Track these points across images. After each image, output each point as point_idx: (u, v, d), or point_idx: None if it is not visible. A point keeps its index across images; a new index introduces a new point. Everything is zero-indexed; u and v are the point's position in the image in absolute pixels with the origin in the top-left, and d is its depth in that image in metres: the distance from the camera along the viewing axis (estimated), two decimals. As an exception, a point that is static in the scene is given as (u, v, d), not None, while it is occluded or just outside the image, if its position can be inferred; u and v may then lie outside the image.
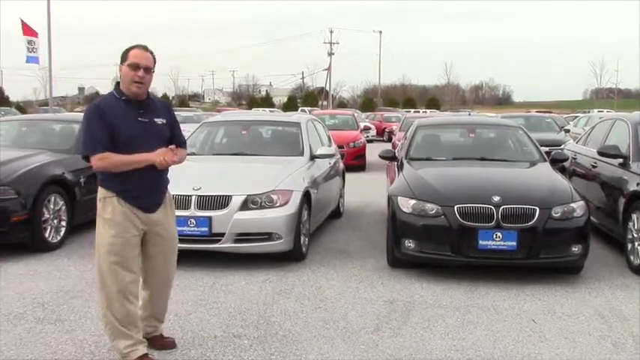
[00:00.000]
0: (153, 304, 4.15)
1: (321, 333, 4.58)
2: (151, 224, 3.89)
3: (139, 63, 3.72)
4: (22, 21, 22.15)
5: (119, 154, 3.69)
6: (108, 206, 3.78)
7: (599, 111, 40.40)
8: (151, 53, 3.82)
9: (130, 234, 3.79)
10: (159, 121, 3.88)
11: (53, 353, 4.16)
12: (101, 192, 3.82)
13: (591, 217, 6.27)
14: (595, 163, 8.02)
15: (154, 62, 3.83)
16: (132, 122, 3.75)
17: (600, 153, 7.72)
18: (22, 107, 54.25)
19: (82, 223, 7.81)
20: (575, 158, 8.95)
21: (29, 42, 22.02)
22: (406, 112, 41.57)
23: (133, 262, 3.85)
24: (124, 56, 3.75)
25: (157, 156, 3.72)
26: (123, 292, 3.81)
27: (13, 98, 67.43)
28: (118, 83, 3.83)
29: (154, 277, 4.07)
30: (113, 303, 3.82)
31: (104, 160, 3.69)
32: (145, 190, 3.81)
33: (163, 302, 4.22)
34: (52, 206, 7.06)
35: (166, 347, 4.21)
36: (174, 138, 4.00)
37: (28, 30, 22.15)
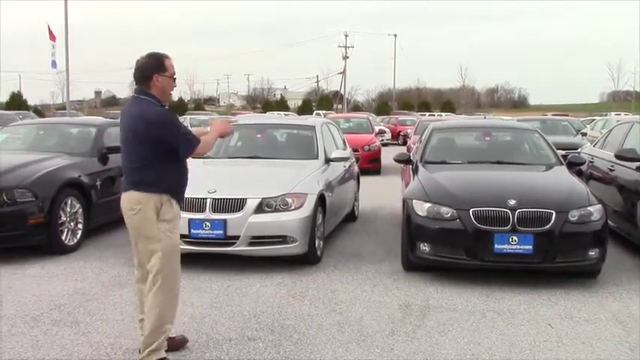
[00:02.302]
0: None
1: (336, 336, 4.58)
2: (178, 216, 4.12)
3: (175, 73, 3.98)
4: (48, 27, 22.39)
5: (168, 160, 3.90)
6: (168, 210, 3.91)
7: (616, 114, 40.03)
8: None
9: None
10: None
11: (69, 355, 4.18)
12: (155, 198, 3.87)
13: (608, 221, 6.21)
14: (612, 166, 7.95)
15: None
16: None
17: (617, 156, 7.65)
18: (39, 111, 54.71)
19: (98, 226, 7.88)
20: (592, 162, 8.88)
21: (52, 46, 22.32)
22: (421, 115, 41.46)
23: None
24: (161, 66, 3.90)
25: (223, 126, 4.18)
26: (178, 294, 4.02)
27: (31, 102, 68.04)
28: (151, 94, 3.89)
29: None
30: (171, 308, 3.95)
31: (204, 147, 3.98)
32: (184, 185, 4.11)
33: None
34: (68, 209, 7.11)
35: (179, 346, 4.24)
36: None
37: (52, 35, 22.44)
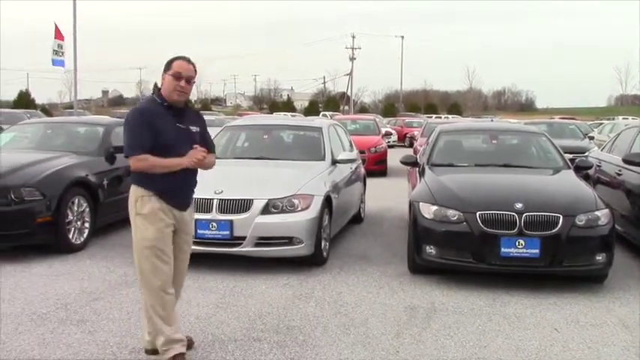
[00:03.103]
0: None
1: (341, 338, 4.57)
2: (180, 222, 4.05)
3: (181, 73, 3.89)
4: (55, 25, 22.42)
5: (157, 157, 3.83)
6: (146, 204, 3.89)
7: (624, 118, 39.90)
8: (193, 65, 4.00)
9: (168, 228, 3.94)
10: (193, 128, 4.07)
11: (75, 354, 4.20)
12: (137, 191, 3.92)
13: (616, 226, 6.19)
14: (620, 170, 7.92)
15: (195, 73, 4.02)
16: (172, 128, 3.92)
17: (625, 161, 7.62)
18: (47, 110, 54.93)
19: (105, 225, 7.90)
20: (599, 166, 8.85)
21: (58, 45, 22.31)
22: (428, 117, 41.42)
23: (170, 255, 3.98)
24: (168, 66, 3.92)
25: (188, 158, 3.88)
26: (163, 287, 3.94)
27: (38, 101, 68.31)
28: (158, 89, 3.95)
29: (175, 275, 4.11)
30: (156, 300, 3.93)
31: (142, 162, 3.82)
32: (179, 189, 4.00)
33: (176, 302, 4.24)
34: (75, 208, 7.14)
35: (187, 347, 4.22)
36: (205, 145, 4.12)
37: (59, 34, 22.46)
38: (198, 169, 4.09)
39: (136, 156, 3.81)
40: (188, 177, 4.03)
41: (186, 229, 4.11)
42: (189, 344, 4.27)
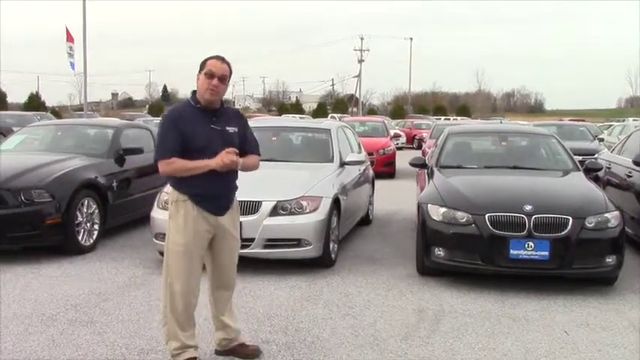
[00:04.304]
0: (223, 309, 4.17)
1: (350, 340, 4.57)
2: (219, 227, 3.96)
3: (214, 72, 3.81)
4: (66, 28, 22.56)
5: (191, 159, 3.78)
6: (180, 209, 3.86)
7: (634, 119, 39.68)
8: (228, 64, 3.90)
9: (200, 239, 3.89)
10: (230, 129, 3.95)
11: (84, 355, 4.21)
12: (173, 194, 3.91)
13: (626, 228, 6.15)
14: (630, 172, 7.87)
15: (230, 73, 3.92)
16: (206, 129, 3.84)
17: (636, 162, 7.58)
18: (57, 112, 55.22)
19: (114, 227, 7.93)
20: (609, 167, 8.80)
21: (69, 47, 22.49)
22: (436, 119, 41.34)
23: (200, 265, 3.95)
24: (202, 65, 3.87)
25: (216, 160, 3.76)
26: (187, 295, 3.91)
27: (48, 103, 68.74)
28: (194, 92, 3.92)
29: (222, 280, 4.13)
30: (177, 305, 3.90)
31: (169, 166, 3.79)
32: (215, 194, 3.90)
33: (230, 306, 4.23)
34: (85, 210, 7.16)
35: (250, 357, 4.21)
36: (245, 145, 4.04)
37: (70, 37, 22.63)
38: (238, 172, 4.00)
39: (163, 160, 3.78)
40: (224, 180, 3.92)
41: (225, 235, 4.00)
42: (254, 352, 4.24)
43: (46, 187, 6.75)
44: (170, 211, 3.92)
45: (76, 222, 6.97)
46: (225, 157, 3.75)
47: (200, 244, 3.90)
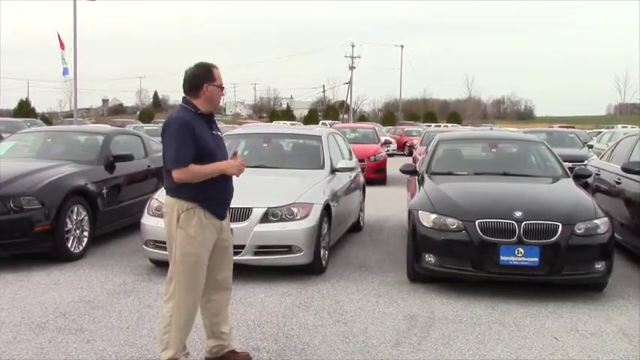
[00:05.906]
0: (219, 313, 4.15)
1: (340, 347, 4.56)
2: (221, 231, 4.01)
3: (222, 83, 3.98)
4: (58, 35, 22.53)
5: (201, 165, 3.81)
6: (192, 219, 3.82)
7: (623, 126, 39.96)
8: None
9: (207, 248, 3.92)
10: (220, 134, 4.13)
11: (74, 363, 4.19)
12: (179, 204, 3.84)
13: (615, 234, 6.19)
14: (619, 179, 7.92)
15: None
16: (210, 136, 3.93)
17: (625, 169, 7.63)
18: (47, 118, 55.02)
19: (104, 234, 7.90)
20: (598, 174, 8.85)
21: (63, 55, 22.54)
22: (427, 126, 41.49)
23: (204, 274, 3.95)
24: (211, 76, 3.92)
25: (232, 166, 3.94)
26: (195, 304, 3.94)
27: (38, 110, 68.42)
28: (185, 98, 3.93)
29: (222, 280, 4.11)
30: (182, 315, 3.88)
31: (186, 173, 3.77)
32: (222, 197, 4.00)
33: (226, 311, 4.22)
34: (74, 216, 7.13)
35: None
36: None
37: (62, 44, 22.64)
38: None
39: (181, 168, 3.75)
40: (229, 184, 4.04)
41: (226, 238, 4.06)
42: (245, 357, 4.23)
43: (36, 194, 6.71)
44: (179, 222, 3.82)
45: (66, 229, 6.94)
46: (240, 162, 3.97)
47: (207, 254, 3.92)
